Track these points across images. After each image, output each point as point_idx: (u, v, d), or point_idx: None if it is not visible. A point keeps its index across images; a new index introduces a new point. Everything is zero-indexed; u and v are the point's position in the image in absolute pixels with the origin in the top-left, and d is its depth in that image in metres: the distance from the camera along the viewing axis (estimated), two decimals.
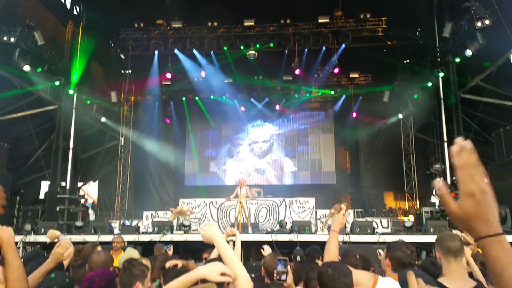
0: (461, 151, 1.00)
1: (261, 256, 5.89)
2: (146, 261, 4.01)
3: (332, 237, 3.13)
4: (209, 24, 17.20)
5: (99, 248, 5.24)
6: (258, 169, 19.99)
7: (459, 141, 1.03)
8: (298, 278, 3.34)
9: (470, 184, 0.98)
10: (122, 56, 18.84)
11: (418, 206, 17.02)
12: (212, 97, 19.47)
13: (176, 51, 17.49)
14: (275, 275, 2.94)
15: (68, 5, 16.59)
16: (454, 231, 3.73)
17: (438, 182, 1.05)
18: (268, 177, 19.89)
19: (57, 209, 14.24)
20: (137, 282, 2.79)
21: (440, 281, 2.39)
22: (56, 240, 4.15)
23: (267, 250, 4.22)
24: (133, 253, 7.31)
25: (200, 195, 16.67)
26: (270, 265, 3.69)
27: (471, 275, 3.28)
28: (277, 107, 19.72)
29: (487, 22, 12.01)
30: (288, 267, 2.89)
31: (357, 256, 4.10)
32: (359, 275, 2.55)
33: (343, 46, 16.96)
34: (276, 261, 3.76)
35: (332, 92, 19.54)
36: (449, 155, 1.05)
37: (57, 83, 14.78)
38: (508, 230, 9.84)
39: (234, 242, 3.79)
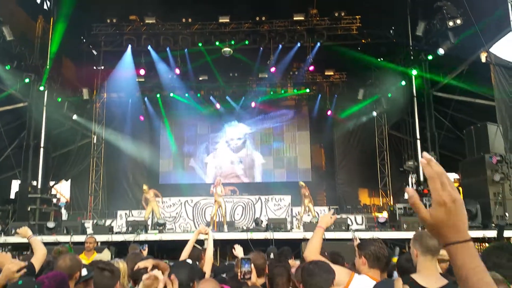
0: (430, 162, 1.04)
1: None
2: (122, 264, 3.94)
3: (317, 232, 3.22)
4: (184, 20, 17.01)
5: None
6: (234, 163, 19.98)
7: (426, 154, 1.07)
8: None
9: (442, 193, 1.01)
10: (94, 52, 18.41)
11: (391, 203, 17.31)
12: (186, 95, 19.30)
13: (149, 48, 17.21)
14: (239, 274, 2.95)
15: (39, 0, 16.09)
16: None
17: (410, 190, 1.08)
18: (244, 174, 19.88)
19: (29, 209, 13.85)
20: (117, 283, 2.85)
21: (413, 277, 2.41)
22: (26, 240, 4.02)
23: (238, 250, 4.20)
24: (104, 255, 7.20)
25: (179, 193, 16.49)
26: (257, 261, 3.70)
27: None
28: (253, 104, 19.70)
29: (458, 21, 12.30)
30: (252, 265, 2.94)
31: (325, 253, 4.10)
32: (335, 271, 2.55)
33: (318, 44, 17.05)
34: (262, 258, 3.77)
35: (308, 90, 19.67)
36: (422, 155, 1.09)
37: (27, 80, 14.35)
38: (478, 226, 10.12)
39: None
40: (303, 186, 13.51)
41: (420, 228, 9.82)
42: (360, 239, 3.23)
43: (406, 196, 15.89)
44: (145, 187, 13.31)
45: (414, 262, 2.62)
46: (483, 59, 11.72)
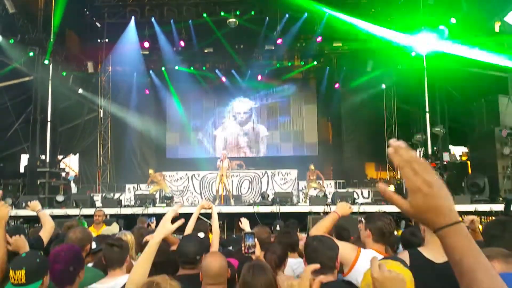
0: (398, 150, 1.01)
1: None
2: (130, 236, 4.01)
3: (331, 216, 3.22)
4: None
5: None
6: (241, 136, 19.98)
7: (393, 141, 1.03)
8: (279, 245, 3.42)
9: (415, 179, 0.97)
10: (98, 25, 18.13)
11: (398, 176, 17.26)
12: (191, 68, 19.09)
13: (153, 20, 16.91)
14: (243, 248, 2.97)
15: None
16: None
17: (381, 186, 1.03)
18: (250, 148, 19.87)
19: (38, 182, 14.01)
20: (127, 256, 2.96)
21: (419, 249, 2.42)
22: (35, 213, 4.08)
23: (245, 223, 4.22)
24: (112, 228, 7.29)
25: (185, 167, 16.56)
26: (261, 235, 3.73)
27: None
28: (259, 77, 19.46)
29: None
30: (256, 240, 2.97)
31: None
32: (341, 248, 2.54)
33: (326, 13, 16.62)
34: (265, 231, 3.79)
35: (315, 62, 19.35)
36: (389, 143, 1.05)
37: (31, 54, 14.25)
38: (485, 200, 10.07)
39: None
40: (311, 170, 13.44)
41: None
42: (367, 215, 3.22)
43: None
44: (151, 171, 13.37)
45: (423, 236, 2.60)
46: (497, 29, 11.41)
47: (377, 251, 2.76)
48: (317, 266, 2.04)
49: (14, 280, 2.33)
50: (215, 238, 3.80)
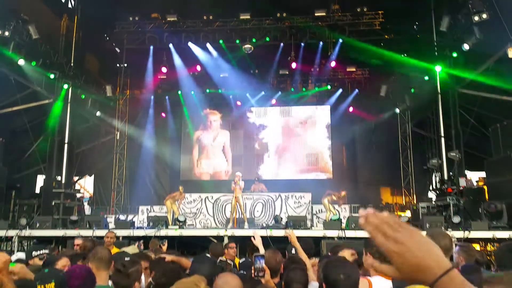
0: (367, 219, 0.96)
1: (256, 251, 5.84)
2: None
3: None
4: (205, 17, 17.09)
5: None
6: (254, 162, 19.98)
7: (361, 211, 0.98)
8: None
9: (386, 243, 0.92)
10: (117, 50, 18.67)
11: (415, 202, 17.02)
12: (207, 91, 19.38)
13: (170, 46, 17.37)
14: (253, 271, 2.94)
15: None
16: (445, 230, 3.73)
17: (368, 260, 1.01)
18: (264, 171, 19.83)
19: (53, 203, 14.17)
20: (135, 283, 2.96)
21: None
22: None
23: (257, 238, 4.20)
24: (129, 249, 7.27)
25: (199, 189, 16.63)
26: (269, 262, 3.67)
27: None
28: (273, 101, 19.63)
29: (484, 16, 11.95)
30: (263, 263, 2.92)
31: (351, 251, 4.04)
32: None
33: (340, 40, 16.85)
34: (276, 257, 3.74)
35: (329, 87, 19.48)
36: (359, 213, 1.00)
37: (51, 76, 14.67)
38: (504, 226, 9.84)
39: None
40: (342, 195, 13.44)
41: (442, 228, 9.64)
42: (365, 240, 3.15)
43: (429, 195, 15.66)
44: (181, 189, 13.37)
45: None
46: (510, 55, 11.37)
47: (384, 276, 2.70)
48: None
49: None
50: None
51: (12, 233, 10.54)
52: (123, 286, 2.91)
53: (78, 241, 7.07)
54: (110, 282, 3.42)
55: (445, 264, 0.90)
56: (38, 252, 4.82)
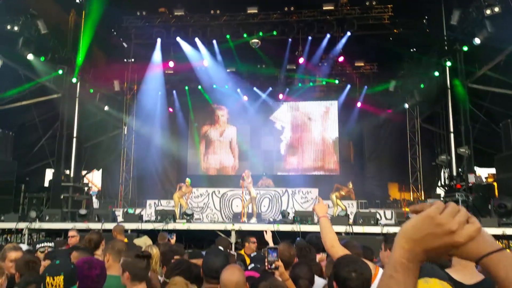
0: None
1: (263, 246, 5.87)
2: (156, 249, 4.05)
3: (324, 222, 2.99)
4: (212, 12, 17.00)
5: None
6: (261, 157, 19.96)
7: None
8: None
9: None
10: (125, 45, 18.68)
11: (423, 198, 16.90)
12: (214, 86, 19.35)
13: (178, 39, 17.33)
14: (266, 264, 2.93)
15: None
16: None
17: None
18: (271, 167, 19.80)
19: (62, 197, 14.31)
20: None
21: (448, 271, 2.35)
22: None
23: (269, 233, 4.27)
24: (140, 241, 7.29)
25: (206, 184, 16.70)
26: (283, 254, 3.63)
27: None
28: (281, 96, 19.56)
29: (496, 9, 11.73)
30: (276, 256, 2.92)
31: (358, 246, 4.00)
32: None
33: (348, 34, 16.69)
34: (290, 250, 3.74)
35: (337, 81, 19.35)
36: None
37: (60, 71, 14.74)
38: None
39: None
40: (349, 188, 13.58)
41: None
42: (386, 235, 3.15)
43: (438, 191, 15.55)
44: (188, 181, 13.41)
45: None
46: None
47: None
48: None
49: (52, 286, 2.42)
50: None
51: (22, 225, 10.65)
52: (144, 268, 2.85)
53: (72, 233, 6.66)
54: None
55: (499, 245, 0.92)
56: (41, 245, 4.89)
